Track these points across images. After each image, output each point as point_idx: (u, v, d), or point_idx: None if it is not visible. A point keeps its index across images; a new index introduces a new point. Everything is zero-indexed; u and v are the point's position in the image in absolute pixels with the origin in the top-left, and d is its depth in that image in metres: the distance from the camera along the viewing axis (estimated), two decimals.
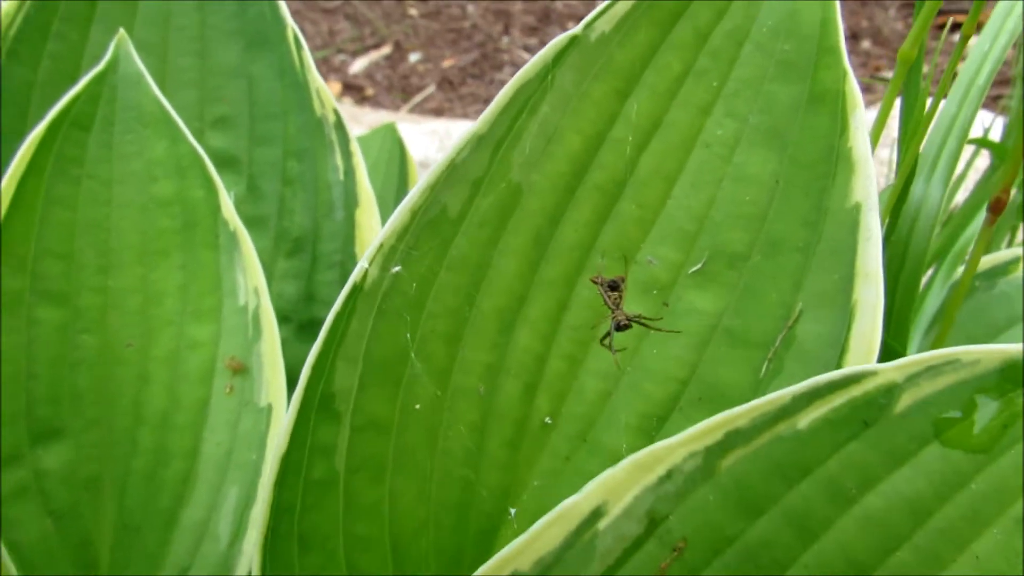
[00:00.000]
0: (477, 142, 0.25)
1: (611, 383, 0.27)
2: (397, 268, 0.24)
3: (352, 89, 1.47)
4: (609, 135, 0.26)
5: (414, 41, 1.54)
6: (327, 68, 1.50)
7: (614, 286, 0.26)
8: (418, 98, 1.41)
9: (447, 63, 1.49)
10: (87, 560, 0.42)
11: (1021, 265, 0.41)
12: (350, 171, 0.50)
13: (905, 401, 0.20)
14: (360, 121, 1.24)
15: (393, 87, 1.46)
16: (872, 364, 0.20)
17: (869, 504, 0.20)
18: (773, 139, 0.26)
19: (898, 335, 0.30)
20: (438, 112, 1.39)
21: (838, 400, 0.20)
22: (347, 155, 0.50)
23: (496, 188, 0.25)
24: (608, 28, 0.25)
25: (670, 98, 0.26)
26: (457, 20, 1.58)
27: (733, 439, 0.21)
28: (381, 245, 0.24)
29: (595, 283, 0.26)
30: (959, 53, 0.31)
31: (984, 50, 0.37)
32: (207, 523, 0.41)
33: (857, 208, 0.24)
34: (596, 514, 0.21)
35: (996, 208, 0.28)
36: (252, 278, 0.41)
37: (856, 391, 0.20)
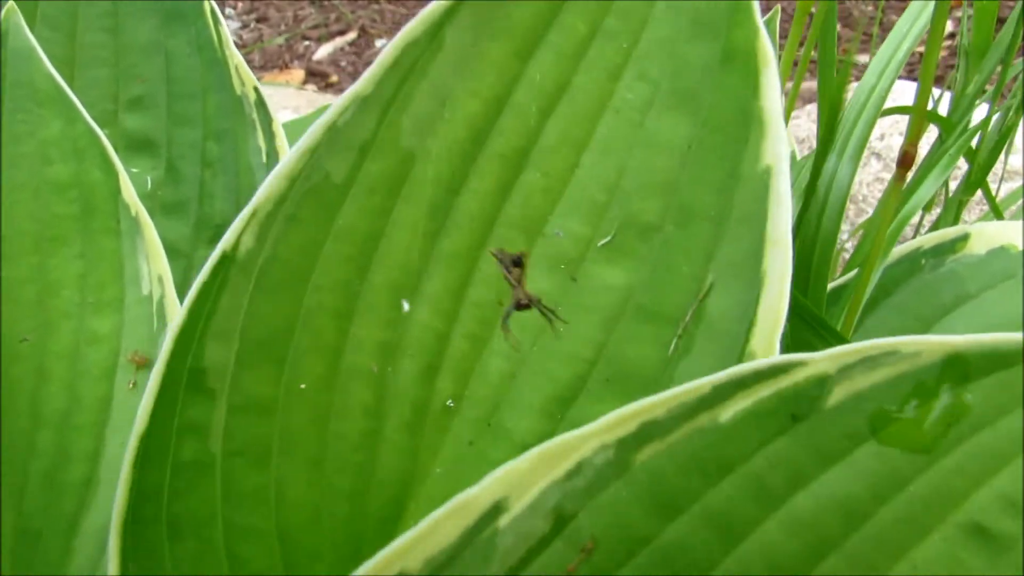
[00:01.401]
0: (361, 103, 0.23)
1: (516, 364, 0.25)
2: (274, 236, 0.22)
3: (316, 76, 1.44)
4: (510, 100, 0.25)
5: (380, 27, 1.51)
6: (291, 54, 1.48)
7: (517, 262, 0.25)
8: None
9: None
10: None
11: (969, 242, 0.40)
12: (273, 153, 0.48)
13: (838, 395, 0.18)
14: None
15: (358, 74, 1.43)
16: (802, 354, 0.19)
17: (797, 505, 0.18)
18: (686, 102, 0.25)
19: (814, 305, 0.29)
20: None
21: (764, 392, 0.18)
22: (270, 136, 0.48)
23: (385, 153, 0.23)
24: None
25: (576, 60, 0.25)
26: (424, 5, 1.56)
27: (649, 431, 0.19)
28: (255, 212, 0.22)
29: (495, 257, 0.24)
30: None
31: (904, 29, 0.36)
32: (110, 529, 0.38)
33: (767, 172, 0.23)
34: (496, 509, 0.19)
35: (905, 162, 0.27)
36: (156, 266, 0.38)
37: (784, 382, 0.18)
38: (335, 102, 0.23)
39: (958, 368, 0.17)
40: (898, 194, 0.27)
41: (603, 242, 0.25)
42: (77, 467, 0.39)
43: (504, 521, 0.19)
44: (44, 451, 0.39)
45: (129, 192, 0.38)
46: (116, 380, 0.38)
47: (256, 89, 0.46)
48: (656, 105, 0.25)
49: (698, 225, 0.24)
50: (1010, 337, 0.17)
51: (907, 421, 0.18)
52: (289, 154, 0.22)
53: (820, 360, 0.18)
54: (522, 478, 0.19)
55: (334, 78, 1.43)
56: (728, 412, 0.18)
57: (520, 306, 0.23)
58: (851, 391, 0.18)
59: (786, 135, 0.23)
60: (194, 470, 0.23)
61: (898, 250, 0.38)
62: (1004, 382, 0.17)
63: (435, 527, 0.19)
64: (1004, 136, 0.39)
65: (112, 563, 0.23)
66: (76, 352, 0.39)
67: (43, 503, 0.39)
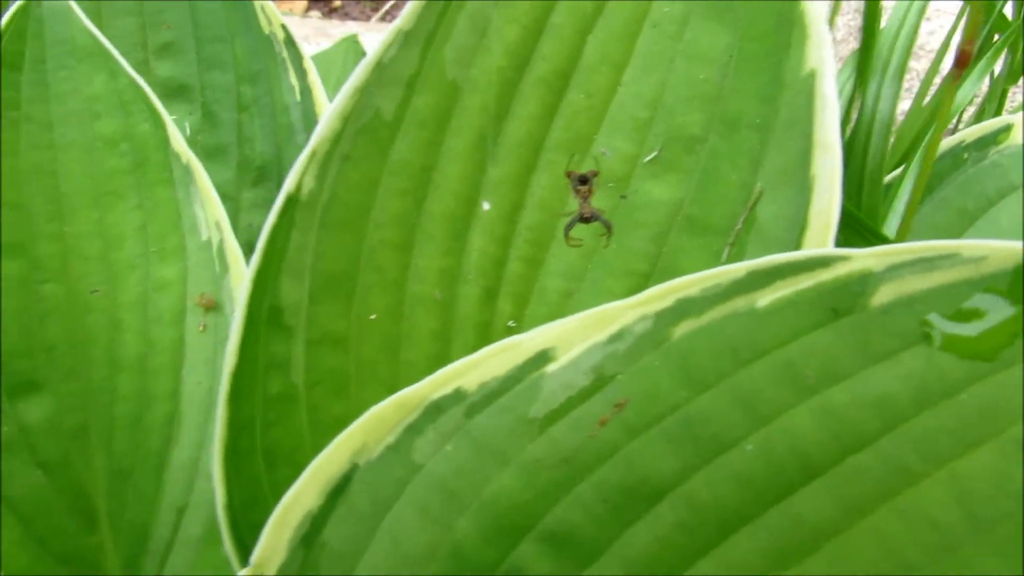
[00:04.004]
0: (404, 38, 0.23)
1: (573, 282, 0.26)
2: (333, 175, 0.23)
3: (319, 1, 1.42)
4: (548, 23, 0.25)
5: None
6: None
7: (584, 179, 0.25)
8: (387, 5, 1.36)
9: None
10: (83, 508, 0.42)
11: (1013, 133, 0.39)
12: (306, 90, 0.48)
13: (885, 294, 0.18)
14: (328, 34, 1.20)
15: None
16: (844, 249, 0.19)
17: (830, 397, 0.18)
18: (723, 12, 0.25)
19: (869, 213, 0.29)
20: None
21: (804, 283, 0.19)
22: (301, 73, 0.48)
23: (431, 87, 0.24)
24: None
25: None
26: None
27: (685, 308, 0.20)
28: (313, 153, 0.23)
29: (568, 177, 0.25)
30: None
31: None
32: (197, 462, 0.41)
33: (812, 75, 0.23)
34: (543, 357, 0.20)
35: (961, 62, 0.27)
36: (212, 212, 0.40)
37: (824, 275, 0.19)
38: (380, 39, 0.23)
39: None
40: (952, 93, 0.27)
41: (649, 158, 0.25)
42: (159, 407, 0.41)
43: (550, 368, 0.20)
44: (126, 395, 0.41)
45: (178, 141, 0.39)
46: (187, 324, 0.40)
47: (283, 27, 0.46)
48: (693, 17, 0.25)
49: (743, 134, 0.24)
50: None
51: (966, 328, 0.17)
52: (341, 93, 0.23)
53: (864, 257, 0.18)
54: (569, 334, 0.20)
55: (337, 2, 1.40)
56: (765, 299, 0.19)
57: (584, 219, 0.24)
58: (902, 292, 0.18)
59: (829, 38, 0.23)
60: (282, 402, 0.25)
61: (940, 145, 0.38)
62: None
63: (488, 358, 0.20)
64: None
65: (219, 492, 0.25)
66: (145, 300, 0.40)
67: (131, 443, 0.42)
